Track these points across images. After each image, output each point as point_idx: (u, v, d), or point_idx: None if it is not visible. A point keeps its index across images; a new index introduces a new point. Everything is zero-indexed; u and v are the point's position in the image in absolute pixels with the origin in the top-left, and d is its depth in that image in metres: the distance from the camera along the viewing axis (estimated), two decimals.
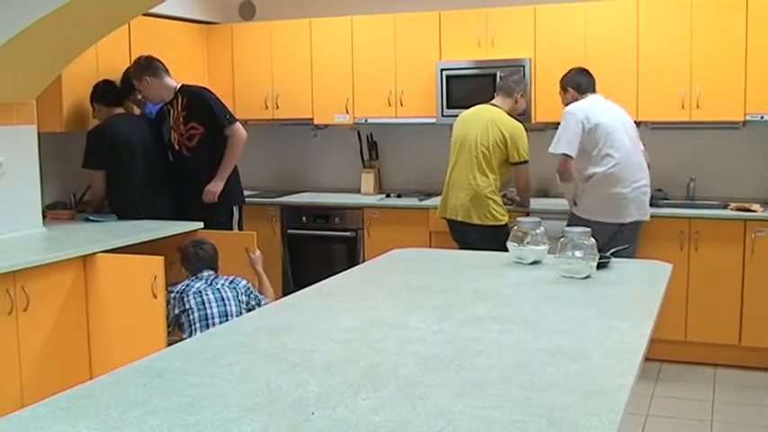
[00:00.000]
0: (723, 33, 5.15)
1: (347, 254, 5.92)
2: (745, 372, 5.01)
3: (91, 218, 4.96)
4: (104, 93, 5.10)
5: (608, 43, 5.40)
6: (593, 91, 4.95)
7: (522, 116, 5.26)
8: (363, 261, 5.38)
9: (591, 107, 4.85)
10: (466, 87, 5.70)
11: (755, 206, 5.08)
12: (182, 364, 2.13)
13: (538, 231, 3.37)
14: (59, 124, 5.01)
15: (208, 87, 5.44)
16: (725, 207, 5.21)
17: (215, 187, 5.03)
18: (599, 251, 3.16)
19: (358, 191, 6.37)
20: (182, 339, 3.78)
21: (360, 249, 5.89)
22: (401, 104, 5.97)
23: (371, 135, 6.41)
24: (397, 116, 6.02)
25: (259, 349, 2.27)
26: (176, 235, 4.60)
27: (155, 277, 4.02)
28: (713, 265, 5.04)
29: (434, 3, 5.98)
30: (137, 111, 5.45)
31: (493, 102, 5.16)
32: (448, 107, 5.75)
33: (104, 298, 4.14)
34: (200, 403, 1.83)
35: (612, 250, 3.43)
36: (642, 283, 3.15)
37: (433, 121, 5.86)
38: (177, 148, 5.11)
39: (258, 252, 4.67)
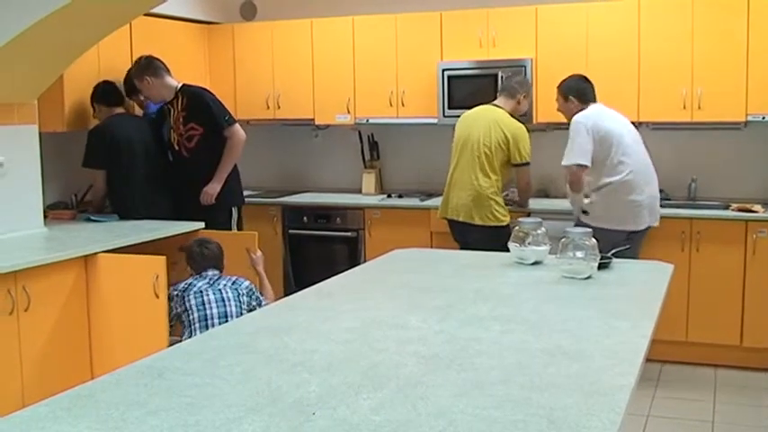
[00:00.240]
0: (725, 34, 5.15)
1: (348, 254, 5.92)
2: (746, 372, 5.01)
3: (92, 218, 4.96)
4: (105, 93, 5.11)
5: (609, 43, 5.39)
6: (595, 100, 4.88)
7: (524, 117, 5.25)
8: (364, 261, 5.38)
9: (598, 115, 4.77)
10: (467, 88, 5.70)
11: (757, 207, 5.08)
12: (182, 365, 2.13)
13: (539, 232, 3.37)
14: (61, 124, 5.02)
15: (208, 88, 5.44)
16: (726, 208, 5.21)
17: (212, 189, 5.03)
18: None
19: (359, 191, 6.37)
20: (182, 339, 3.79)
21: (361, 249, 5.89)
22: (402, 105, 5.97)
23: (373, 135, 6.41)
24: (398, 116, 6.02)
25: (260, 349, 2.27)
26: (177, 235, 4.60)
27: (157, 277, 4.03)
28: (714, 266, 5.04)
29: (436, 3, 5.98)
30: (139, 111, 5.46)
31: (495, 102, 5.16)
32: (449, 107, 5.75)
33: (106, 298, 4.14)
34: (200, 403, 1.83)
35: (614, 251, 3.43)
36: (643, 283, 3.15)
37: (435, 121, 5.86)
38: (177, 148, 5.12)
39: (259, 252, 4.67)
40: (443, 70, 5.77)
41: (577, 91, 4.88)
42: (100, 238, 4.37)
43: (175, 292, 4.11)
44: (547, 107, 5.51)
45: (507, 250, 3.42)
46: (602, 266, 3.20)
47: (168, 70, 5.13)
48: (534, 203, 5.37)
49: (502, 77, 5.54)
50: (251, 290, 4.24)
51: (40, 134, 4.58)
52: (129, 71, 5.23)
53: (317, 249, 6.05)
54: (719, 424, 4.26)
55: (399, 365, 2.09)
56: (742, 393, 4.71)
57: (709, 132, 5.57)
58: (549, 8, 5.58)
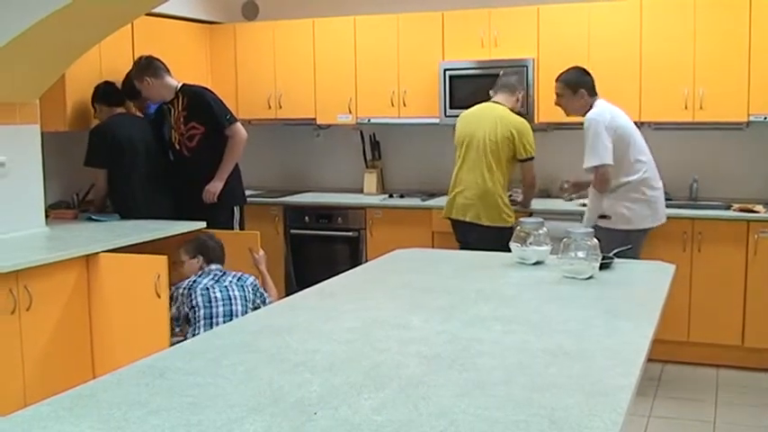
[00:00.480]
0: (726, 34, 5.15)
1: (350, 254, 5.92)
2: (747, 373, 5.01)
3: (94, 217, 4.97)
4: (106, 93, 5.11)
5: (611, 44, 5.39)
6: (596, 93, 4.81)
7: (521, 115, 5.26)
8: (366, 261, 5.38)
9: (611, 112, 4.65)
10: (469, 87, 5.70)
11: (759, 207, 5.08)
12: (184, 364, 2.13)
13: (540, 232, 3.37)
14: (63, 124, 5.02)
15: (208, 87, 5.44)
16: (728, 208, 5.21)
17: (214, 187, 5.03)
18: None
19: (361, 191, 6.37)
20: (186, 337, 3.79)
21: (362, 249, 5.89)
22: (404, 104, 5.97)
23: (374, 135, 6.41)
24: (399, 116, 6.02)
25: (262, 349, 2.27)
26: (179, 234, 4.60)
27: (158, 276, 4.03)
28: (716, 266, 5.04)
29: (437, 3, 5.98)
30: (138, 114, 5.45)
31: (495, 100, 5.14)
32: (451, 107, 5.75)
33: (107, 297, 4.14)
34: (202, 403, 1.83)
35: (615, 251, 3.43)
36: (645, 283, 3.15)
37: (436, 121, 5.86)
38: (178, 147, 5.12)
39: (262, 252, 4.68)
40: (445, 70, 5.76)
41: (586, 84, 4.73)
42: (101, 237, 4.38)
43: (180, 290, 4.11)
44: (549, 107, 5.50)
45: (508, 251, 3.42)
46: (603, 267, 3.19)
47: (168, 70, 5.13)
48: (536, 203, 5.36)
49: (500, 74, 5.54)
50: (256, 286, 4.26)
51: (41, 134, 4.58)
52: (128, 74, 5.21)
53: (319, 249, 6.06)
54: (721, 424, 4.26)
55: (401, 366, 2.09)
56: (743, 394, 4.71)
57: (710, 132, 5.57)
58: (550, 8, 5.58)
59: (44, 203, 4.67)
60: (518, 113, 5.14)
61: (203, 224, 4.81)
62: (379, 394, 1.87)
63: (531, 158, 5.05)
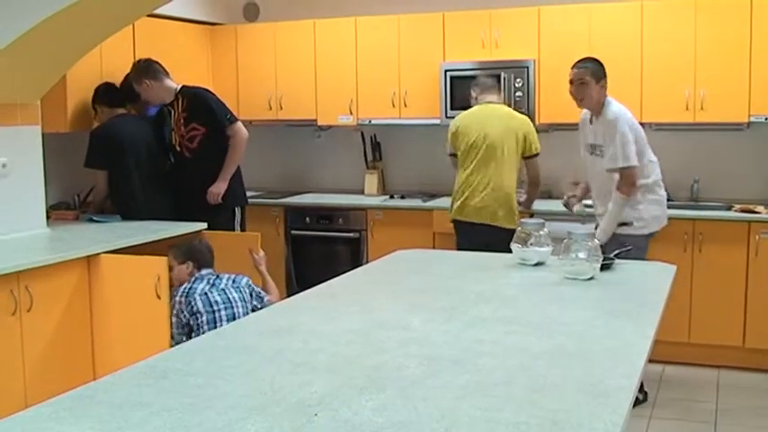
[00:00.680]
0: (727, 35, 5.15)
1: (351, 255, 5.92)
2: (748, 373, 5.00)
3: (95, 218, 4.97)
4: (106, 93, 5.11)
5: (612, 45, 5.39)
6: None
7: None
8: (367, 262, 5.37)
9: (628, 111, 4.46)
10: (470, 88, 5.69)
11: (760, 208, 5.07)
12: (185, 365, 2.13)
13: (542, 233, 3.37)
14: (64, 125, 5.02)
15: (208, 88, 5.44)
16: (729, 208, 5.21)
17: (218, 188, 5.03)
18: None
19: (361, 192, 6.37)
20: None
21: (363, 250, 5.89)
22: (405, 105, 5.97)
23: (375, 136, 6.41)
24: (400, 117, 6.02)
25: (262, 350, 2.27)
26: (180, 235, 4.60)
27: (158, 278, 4.02)
28: (717, 267, 5.04)
29: (438, 4, 5.99)
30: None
31: (489, 100, 5.08)
32: (452, 108, 5.74)
33: (108, 298, 4.14)
34: (203, 404, 1.83)
35: (616, 252, 3.43)
36: (646, 284, 3.14)
37: (437, 122, 5.86)
38: (179, 149, 5.12)
39: (262, 253, 4.67)
40: (446, 71, 5.77)
41: (606, 76, 4.46)
42: (102, 238, 4.38)
43: (177, 298, 4.04)
44: (550, 108, 5.52)
45: (509, 252, 3.43)
46: (604, 268, 3.19)
47: (167, 72, 5.13)
48: (537, 204, 5.36)
49: (504, 79, 5.55)
50: (251, 285, 4.23)
51: (42, 135, 4.58)
52: (126, 77, 5.20)
53: (320, 250, 6.06)
54: (722, 425, 4.25)
55: (402, 367, 2.09)
56: (744, 394, 4.70)
57: (711, 133, 5.57)
58: (551, 9, 5.58)
59: (45, 204, 4.67)
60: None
61: (204, 225, 4.81)
62: (379, 395, 1.87)
63: (538, 155, 5.03)
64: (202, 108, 5.05)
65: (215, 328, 3.89)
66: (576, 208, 4.87)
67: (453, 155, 5.11)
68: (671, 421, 4.33)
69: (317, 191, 6.60)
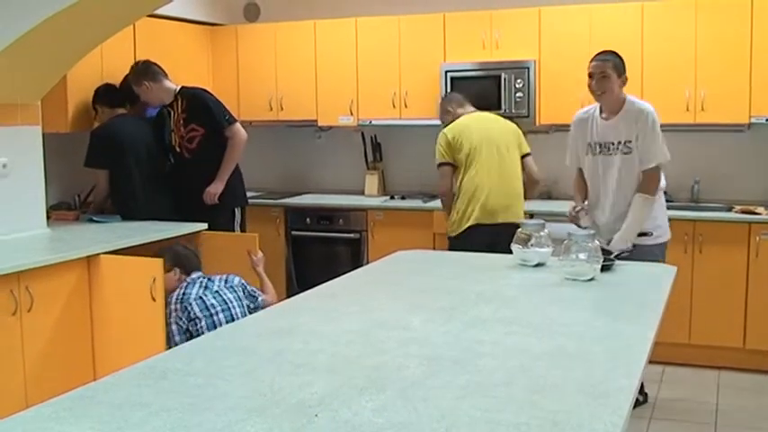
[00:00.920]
0: (728, 35, 5.15)
1: (351, 255, 5.92)
2: (749, 375, 5.00)
3: (95, 218, 4.97)
4: (107, 93, 5.11)
5: (613, 45, 5.31)
6: None
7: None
8: (367, 263, 5.38)
9: None
10: (470, 89, 5.67)
11: (760, 209, 5.07)
12: (185, 365, 2.13)
13: (542, 234, 3.38)
14: (64, 125, 5.02)
15: (207, 89, 5.43)
16: (729, 209, 5.21)
17: (215, 188, 5.03)
18: None
19: (362, 192, 6.37)
20: None
21: (364, 251, 5.89)
22: (405, 106, 5.97)
23: (375, 137, 6.41)
24: (401, 118, 6.02)
25: (262, 351, 2.27)
26: (180, 236, 4.60)
27: (153, 280, 4.00)
28: (717, 268, 5.04)
29: (439, 5, 5.99)
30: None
31: (472, 110, 5.07)
32: None
33: (107, 299, 4.14)
34: (203, 404, 1.83)
35: (616, 253, 3.43)
36: (646, 285, 3.14)
37: (438, 122, 5.84)
38: (178, 150, 5.12)
39: (260, 254, 4.66)
40: (446, 72, 5.77)
41: (626, 70, 4.18)
42: (102, 238, 4.37)
43: (171, 306, 3.99)
44: (550, 109, 5.52)
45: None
46: (604, 268, 3.19)
47: (166, 74, 5.13)
48: (538, 205, 5.36)
49: (505, 79, 5.55)
50: (243, 284, 4.20)
51: (43, 135, 4.58)
52: (125, 78, 5.20)
53: (320, 251, 6.05)
54: (722, 426, 4.25)
55: (402, 367, 2.09)
56: (745, 395, 4.70)
57: (712, 134, 5.57)
58: (552, 10, 5.59)
59: (45, 204, 4.67)
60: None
61: (205, 225, 4.81)
62: (379, 396, 1.87)
63: (530, 154, 5.05)
64: (201, 109, 5.05)
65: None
66: (584, 222, 4.35)
67: (448, 164, 4.91)
68: (671, 422, 4.33)
69: (317, 191, 6.60)
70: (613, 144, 4.15)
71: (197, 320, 3.92)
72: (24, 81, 4.30)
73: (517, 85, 5.59)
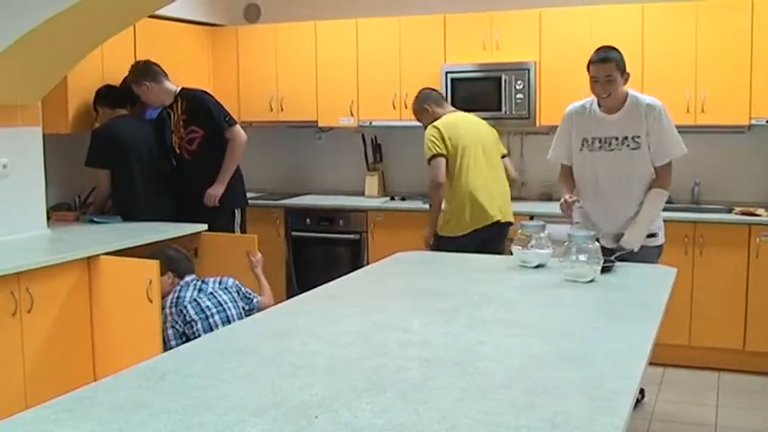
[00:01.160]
0: (728, 37, 5.15)
1: (351, 256, 5.92)
2: (749, 376, 5.00)
3: (95, 219, 4.97)
4: (107, 94, 5.11)
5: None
6: None
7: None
8: (367, 264, 5.37)
9: None
10: (470, 90, 5.71)
11: (760, 210, 5.07)
12: (185, 367, 2.13)
13: (542, 235, 3.38)
14: (65, 126, 5.02)
15: (207, 90, 5.43)
16: (729, 211, 5.21)
17: (216, 191, 5.04)
18: None
19: (362, 193, 6.37)
20: None
21: (364, 252, 5.89)
22: (405, 107, 5.96)
23: (376, 138, 6.41)
24: (401, 119, 6.01)
25: (262, 352, 2.27)
26: (181, 237, 4.60)
27: (150, 281, 3.97)
28: (718, 270, 5.03)
29: (440, 6, 5.99)
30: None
31: (452, 109, 5.11)
32: None
33: (107, 300, 4.13)
34: (203, 406, 1.83)
35: (617, 254, 3.43)
36: (646, 287, 3.14)
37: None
38: (178, 151, 5.12)
39: (259, 255, 4.65)
40: (447, 73, 5.76)
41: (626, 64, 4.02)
42: (103, 239, 4.37)
43: (166, 310, 3.95)
44: (550, 111, 5.51)
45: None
46: (604, 270, 3.19)
47: (166, 74, 5.13)
48: (538, 206, 5.36)
49: (505, 81, 5.55)
50: (238, 286, 4.17)
51: (43, 136, 4.58)
52: (125, 80, 5.20)
53: (320, 252, 6.05)
54: (722, 428, 4.25)
55: (402, 369, 2.09)
56: (745, 397, 4.70)
57: (712, 136, 5.57)
58: (552, 11, 5.59)
59: (45, 205, 4.67)
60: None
61: (205, 226, 4.81)
62: (379, 398, 1.87)
63: (507, 154, 5.17)
64: (201, 110, 5.05)
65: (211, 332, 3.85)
66: (576, 216, 4.15)
67: (442, 155, 4.88)
68: (671, 424, 4.32)
69: (317, 192, 6.60)
70: (617, 139, 3.99)
71: (193, 323, 3.88)
72: (25, 82, 4.30)
73: (517, 87, 5.59)
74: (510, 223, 4.93)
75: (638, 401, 4.40)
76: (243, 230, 5.28)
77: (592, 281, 3.09)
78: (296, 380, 2.00)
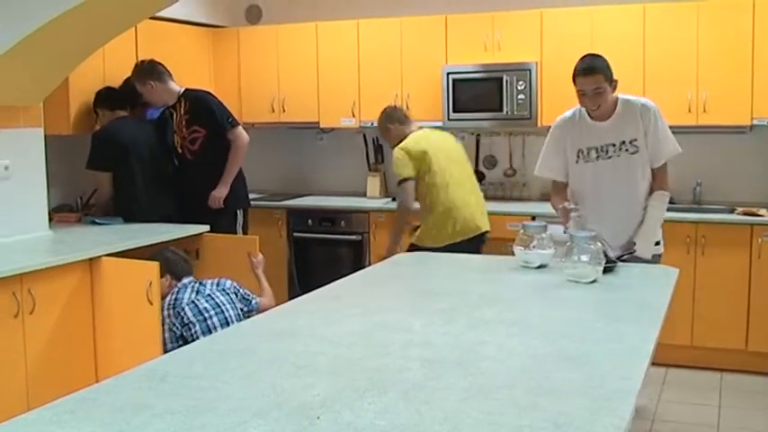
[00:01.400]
0: (730, 37, 5.15)
1: (353, 257, 5.92)
2: (751, 377, 4.99)
3: (97, 220, 4.97)
4: (108, 96, 5.11)
5: (615, 47, 5.35)
6: None
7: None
8: (369, 264, 5.37)
9: None
10: (472, 91, 5.71)
11: (762, 210, 5.07)
12: (187, 368, 2.13)
13: (544, 235, 3.37)
14: (66, 127, 5.03)
15: (210, 91, 5.44)
16: (731, 211, 5.20)
17: (220, 192, 5.04)
18: None
19: (364, 194, 6.37)
20: None
21: (365, 253, 5.89)
22: (407, 108, 5.95)
23: (377, 138, 6.41)
24: None
25: (264, 353, 2.27)
26: (183, 238, 4.60)
27: (150, 283, 3.95)
28: (720, 270, 5.03)
29: (441, 6, 5.99)
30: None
31: (419, 126, 5.12)
32: (454, 111, 5.75)
33: (109, 301, 4.13)
34: (205, 407, 1.83)
35: (619, 255, 3.42)
36: (648, 287, 3.14)
37: (440, 124, 5.83)
38: (180, 151, 5.13)
39: (260, 256, 4.65)
40: (448, 74, 5.76)
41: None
42: (104, 240, 4.37)
43: (165, 312, 3.94)
44: (552, 111, 5.49)
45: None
46: (606, 270, 3.19)
47: (171, 75, 5.13)
48: (540, 207, 5.36)
49: (507, 81, 5.55)
50: (236, 287, 4.16)
51: (45, 137, 4.58)
52: (126, 80, 5.20)
53: (322, 252, 6.05)
54: (725, 428, 4.24)
55: (404, 369, 2.09)
56: (747, 397, 4.69)
57: (714, 136, 5.56)
58: (554, 12, 5.59)
59: (47, 207, 4.67)
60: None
61: (207, 227, 4.80)
62: (381, 398, 1.87)
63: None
64: (204, 111, 5.06)
65: (210, 334, 3.83)
66: (572, 227, 3.66)
67: (412, 179, 4.84)
68: (673, 425, 4.32)
69: (319, 193, 6.60)
70: (614, 145, 3.86)
71: (191, 325, 3.86)
72: (26, 83, 4.30)
73: (519, 87, 5.59)
74: (488, 231, 4.97)
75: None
76: (245, 231, 5.29)
77: (594, 281, 3.09)
78: (298, 380, 2.00)
